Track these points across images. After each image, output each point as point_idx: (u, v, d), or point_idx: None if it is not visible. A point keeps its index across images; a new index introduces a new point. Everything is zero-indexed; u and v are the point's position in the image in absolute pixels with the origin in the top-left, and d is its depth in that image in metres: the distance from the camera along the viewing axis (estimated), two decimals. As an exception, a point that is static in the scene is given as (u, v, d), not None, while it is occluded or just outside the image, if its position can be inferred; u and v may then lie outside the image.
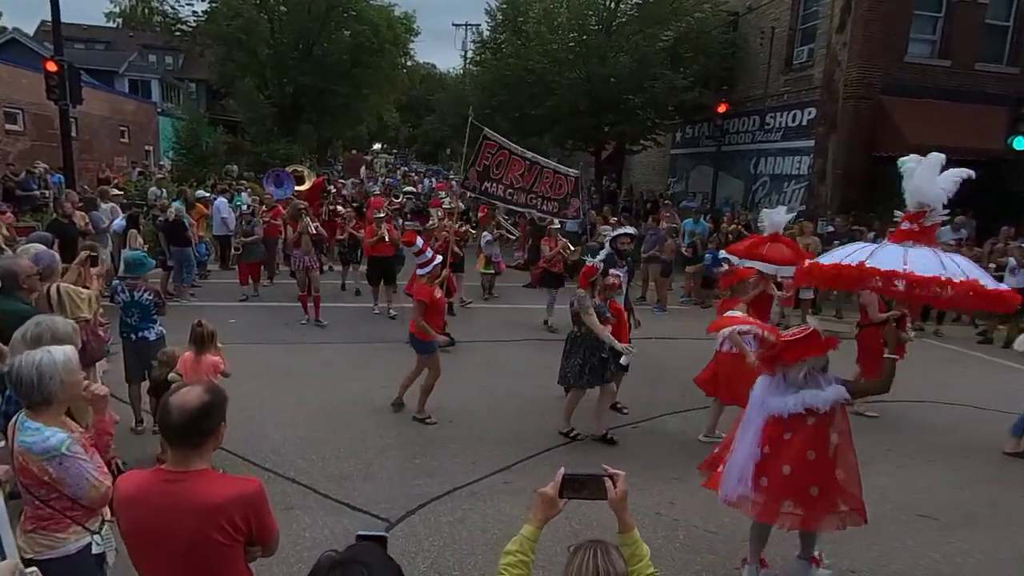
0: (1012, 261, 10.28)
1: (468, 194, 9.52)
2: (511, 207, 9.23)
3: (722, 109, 17.97)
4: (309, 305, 9.43)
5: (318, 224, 9.57)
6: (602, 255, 6.62)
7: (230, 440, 5.30)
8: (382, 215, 10.30)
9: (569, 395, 6.00)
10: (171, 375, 4.56)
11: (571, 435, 5.87)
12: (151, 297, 5.20)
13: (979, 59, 15.42)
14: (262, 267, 11.34)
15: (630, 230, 7.44)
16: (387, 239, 9.79)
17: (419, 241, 7.22)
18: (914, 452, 5.98)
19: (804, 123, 16.87)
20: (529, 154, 8.09)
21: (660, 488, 5.03)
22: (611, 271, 6.19)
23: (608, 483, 1.93)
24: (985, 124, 13.41)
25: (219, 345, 4.87)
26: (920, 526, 4.69)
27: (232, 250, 10.51)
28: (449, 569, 3.94)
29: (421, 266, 6.44)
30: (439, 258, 6.55)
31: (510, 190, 7.86)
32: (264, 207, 12.52)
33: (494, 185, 7.82)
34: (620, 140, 21.79)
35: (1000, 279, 10.28)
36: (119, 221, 9.65)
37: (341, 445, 5.49)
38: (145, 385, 5.41)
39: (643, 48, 17.77)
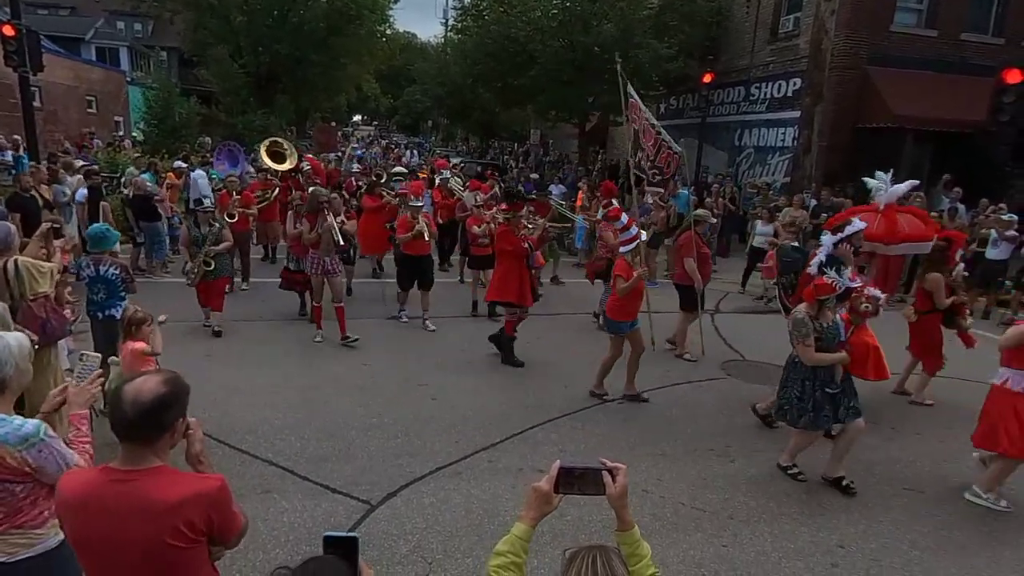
0: (993, 233, 10.30)
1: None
2: (652, 188, 7.75)
3: (707, 79, 17.74)
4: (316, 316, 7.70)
5: (343, 219, 7.50)
6: (821, 255, 5.41)
7: (204, 421, 5.19)
8: (419, 204, 8.22)
9: (795, 437, 4.88)
10: (111, 358, 4.32)
11: (795, 474, 4.88)
12: (118, 272, 4.94)
13: (965, 29, 15.30)
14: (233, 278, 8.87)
15: (861, 224, 5.75)
16: (426, 236, 7.98)
17: (624, 216, 6.22)
18: (900, 425, 5.98)
19: (789, 94, 16.71)
20: (655, 121, 6.81)
21: (646, 465, 4.96)
22: (867, 290, 5.15)
23: (607, 477, 1.76)
24: (969, 95, 13.33)
25: (149, 329, 4.40)
26: (906, 499, 4.69)
27: (201, 264, 7.26)
28: (432, 551, 3.84)
29: (624, 243, 5.87)
30: (643, 235, 5.93)
31: (649, 162, 6.64)
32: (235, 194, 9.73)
33: (642, 156, 6.57)
34: (604, 111, 21.50)
35: (983, 252, 10.40)
36: (81, 191, 9.23)
37: (321, 425, 5.34)
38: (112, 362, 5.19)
39: (628, 16, 17.42)
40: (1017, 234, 10.13)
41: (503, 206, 7.88)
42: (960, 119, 13.69)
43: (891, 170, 6.30)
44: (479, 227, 8.80)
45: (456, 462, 4.89)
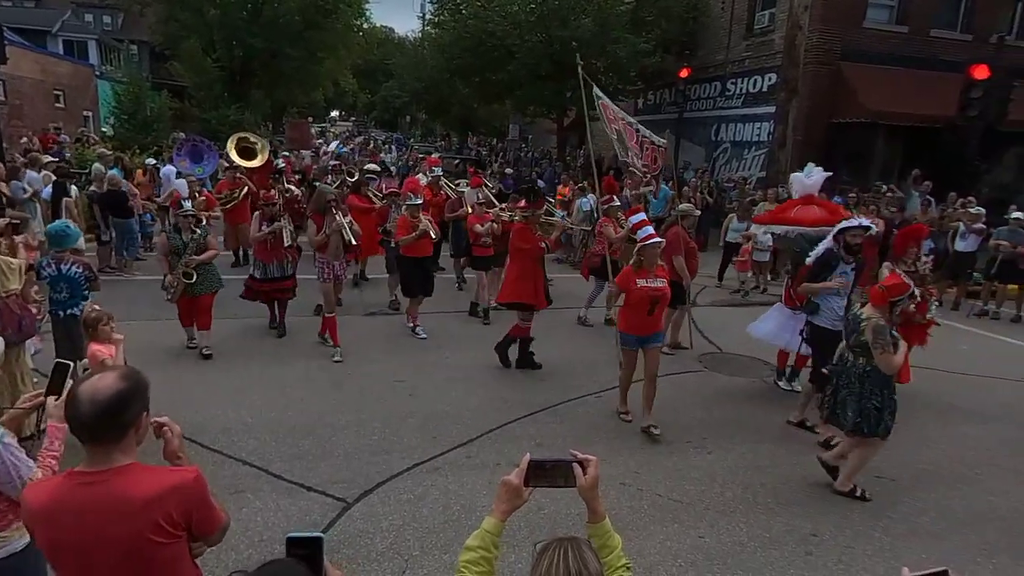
0: (961, 226, 10.53)
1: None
2: (649, 187, 7.59)
3: (684, 74, 17.86)
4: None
5: (351, 219, 7.02)
6: (819, 249, 5.47)
7: (176, 421, 5.10)
8: (418, 201, 7.57)
9: (860, 450, 4.59)
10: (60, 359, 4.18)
11: (860, 495, 4.61)
12: (80, 271, 4.82)
13: (934, 25, 15.59)
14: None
15: (864, 221, 5.65)
16: (433, 235, 7.57)
17: (638, 215, 5.97)
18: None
19: (764, 89, 16.90)
20: (632, 119, 6.72)
21: (624, 458, 4.98)
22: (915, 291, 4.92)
23: (577, 469, 1.76)
24: (939, 90, 13.60)
25: (112, 329, 4.25)
26: (878, 488, 4.76)
27: (181, 277, 6.43)
28: (409, 548, 3.81)
29: (642, 241, 5.44)
30: (653, 240, 5.40)
31: (644, 163, 6.55)
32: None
33: (632, 156, 6.41)
34: (582, 106, 21.52)
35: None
36: (47, 189, 8.99)
37: (295, 423, 5.27)
38: (81, 365, 5.08)
39: (605, 11, 17.46)
40: (984, 227, 10.35)
41: (522, 203, 7.58)
42: (930, 114, 13.95)
43: (814, 165, 6.56)
44: (482, 226, 8.35)
45: (434, 458, 4.86)
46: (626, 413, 5.70)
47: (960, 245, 10.52)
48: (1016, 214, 10.17)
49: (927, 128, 14.22)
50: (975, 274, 10.78)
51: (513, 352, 6.84)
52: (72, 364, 2.33)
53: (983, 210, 10.61)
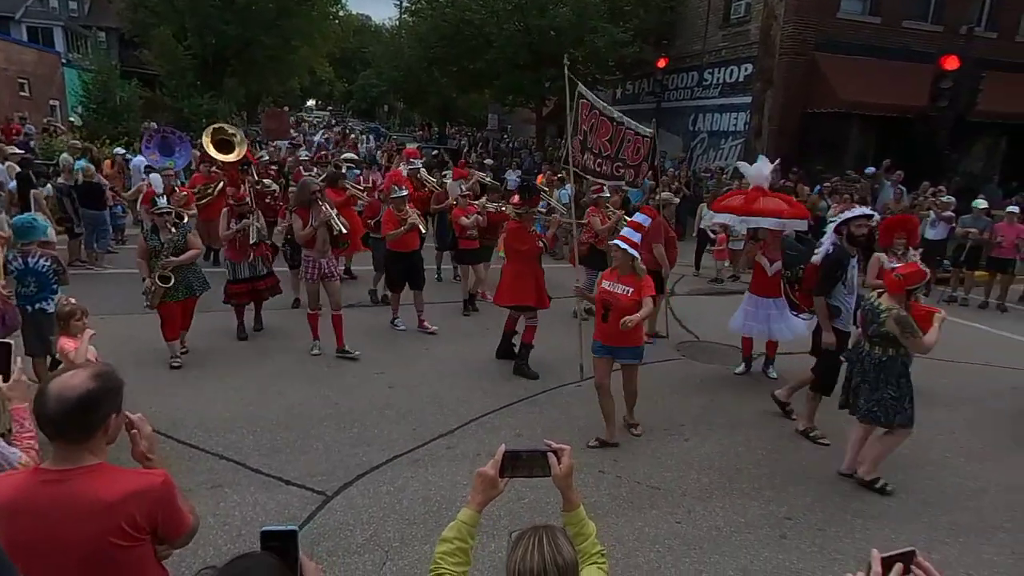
0: (932, 215, 10.74)
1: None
2: (598, 180, 7.30)
3: (662, 64, 17.92)
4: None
5: (336, 211, 6.69)
6: (826, 245, 5.36)
7: (151, 417, 5.02)
8: (403, 194, 7.35)
9: (887, 438, 4.60)
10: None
11: (883, 486, 4.60)
12: (48, 264, 4.71)
13: (906, 17, 15.83)
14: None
15: (866, 211, 5.56)
16: (422, 229, 7.39)
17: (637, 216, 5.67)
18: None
19: (741, 79, 17.03)
20: (616, 113, 6.73)
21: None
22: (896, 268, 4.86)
23: (552, 459, 1.78)
24: (911, 81, 13.82)
25: (85, 325, 4.11)
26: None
27: (157, 280, 5.90)
28: (389, 540, 3.81)
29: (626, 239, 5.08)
30: (615, 242, 5.08)
31: (599, 159, 6.51)
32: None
33: (589, 157, 6.45)
34: (561, 96, 21.49)
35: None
36: (12, 183, 8.76)
37: (274, 417, 5.22)
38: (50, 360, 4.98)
39: (583, 0, 17.41)
40: (954, 215, 10.58)
41: (515, 200, 7.35)
42: (903, 104, 14.18)
43: (765, 157, 6.77)
44: (467, 218, 8.14)
45: (414, 449, 4.86)
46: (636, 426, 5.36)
47: (930, 233, 10.73)
48: (978, 202, 10.43)
49: (899, 118, 14.46)
50: (944, 261, 11.02)
51: (494, 344, 6.85)
52: (11, 344, 2.27)
53: (953, 199, 10.84)
